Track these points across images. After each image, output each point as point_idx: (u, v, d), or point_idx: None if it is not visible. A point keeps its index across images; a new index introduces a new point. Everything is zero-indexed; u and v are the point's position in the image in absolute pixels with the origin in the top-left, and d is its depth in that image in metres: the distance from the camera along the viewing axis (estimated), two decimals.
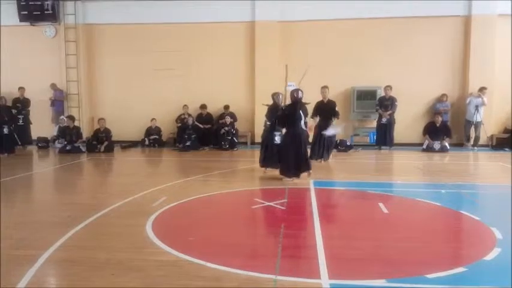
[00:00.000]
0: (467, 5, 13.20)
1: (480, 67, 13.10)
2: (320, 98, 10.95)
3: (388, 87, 13.12)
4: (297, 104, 8.15)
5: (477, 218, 5.46)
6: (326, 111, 10.72)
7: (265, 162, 8.87)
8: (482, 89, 12.76)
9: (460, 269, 3.80)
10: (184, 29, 14.32)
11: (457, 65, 13.49)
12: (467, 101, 13.01)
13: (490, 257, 4.14)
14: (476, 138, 13.09)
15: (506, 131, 13.46)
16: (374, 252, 4.29)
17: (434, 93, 13.67)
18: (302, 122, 8.29)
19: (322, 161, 10.58)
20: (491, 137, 13.37)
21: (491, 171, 9.85)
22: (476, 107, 12.73)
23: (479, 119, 12.88)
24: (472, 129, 13.10)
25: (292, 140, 8.06)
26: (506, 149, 12.69)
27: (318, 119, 10.76)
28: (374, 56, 13.68)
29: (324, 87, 10.96)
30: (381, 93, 13.45)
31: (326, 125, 10.54)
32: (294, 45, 14.00)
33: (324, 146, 10.61)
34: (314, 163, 9.80)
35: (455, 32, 13.15)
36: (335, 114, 10.72)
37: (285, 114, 8.23)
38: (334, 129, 10.47)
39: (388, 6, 13.33)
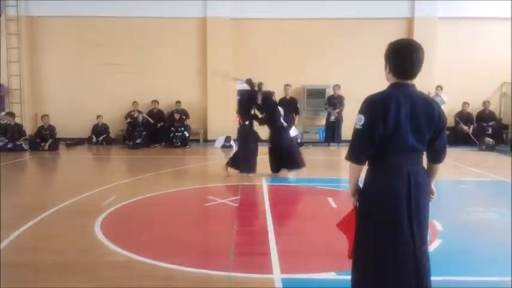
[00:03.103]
0: (411, 7, 13.83)
1: (424, 68, 13.68)
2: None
3: (336, 86, 13.47)
4: None
5: None
6: (288, 107, 11.41)
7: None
8: (438, 88, 13.31)
9: None
10: (134, 24, 13.96)
11: None
12: None
13: (431, 248, 4.36)
14: None
15: (447, 128, 14.19)
16: (324, 246, 4.41)
17: None
18: None
19: None
20: None
21: None
22: None
23: None
24: None
25: None
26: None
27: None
28: (323, 56, 13.95)
29: (287, 85, 12.08)
30: (330, 91, 13.78)
31: (288, 121, 11.09)
32: (245, 43, 14.03)
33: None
34: None
35: (400, 33, 13.60)
36: (297, 110, 11.79)
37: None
38: (295, 131, 11.20)
39: (336, 7, 13.63)
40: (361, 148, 2.55)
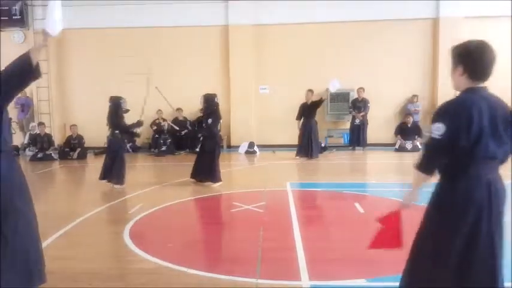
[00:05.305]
0: (435, 7, 13.59)
1: (449, 68, 13.43)
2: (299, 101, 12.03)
3: (360, 89, 13.34)
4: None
5: None
6: (309, 112, 11.70)
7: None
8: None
9: None
10: (157, 33, 14.18)
11: (426, 66, 13.80)
12: None
13: None
14: None
15: None
16: (353, 252, 4.34)
17: (405, 94, 13.94)
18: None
19: (312, 159, 11.32)
20: None
21: None
22: None
23: None
24: None
25: None
26: None
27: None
28: (347, 59, 13.85)
29: (309, 91, 11.89)
30: (354, 95, 13.66)
31: (310, 124, 11.50)
32: (268, 49, 14.05)
33: (311, 145, 11.43)
34: (302, 161, 11.07)
35: (425, 34, 13.45)
36: (319, 104, 11.73)
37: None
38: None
39: (359, 10, 13.53)
40: (435, 159, 2.46)
